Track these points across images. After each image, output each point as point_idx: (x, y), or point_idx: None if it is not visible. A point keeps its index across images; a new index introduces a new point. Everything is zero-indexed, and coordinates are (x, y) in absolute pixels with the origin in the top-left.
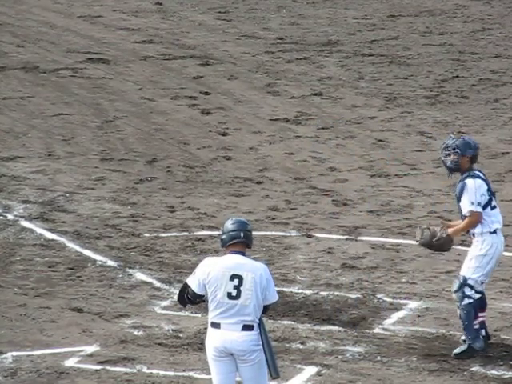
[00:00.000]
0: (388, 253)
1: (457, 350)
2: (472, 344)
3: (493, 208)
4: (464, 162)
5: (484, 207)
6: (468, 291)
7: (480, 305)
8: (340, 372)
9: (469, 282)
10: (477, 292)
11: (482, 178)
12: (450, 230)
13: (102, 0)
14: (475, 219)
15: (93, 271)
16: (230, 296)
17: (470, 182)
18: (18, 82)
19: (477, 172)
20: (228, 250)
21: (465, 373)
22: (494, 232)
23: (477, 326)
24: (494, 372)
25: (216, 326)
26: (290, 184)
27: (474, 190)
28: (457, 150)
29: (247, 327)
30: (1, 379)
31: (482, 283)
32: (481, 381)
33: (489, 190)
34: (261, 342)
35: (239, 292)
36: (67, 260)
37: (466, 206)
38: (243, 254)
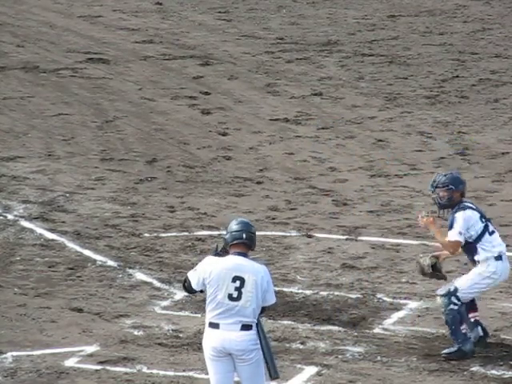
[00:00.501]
0: (388, 253)
1: (446, 350)
2: (462, 347)
3: (491, 233)
4: (456, 196)
5: (481, 235)
6: (455, 300)
7: (470, 306)
8: (340, 372)
9: (459, 294)
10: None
11: (473, 208)
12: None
13: (102, 0)
14: (452, 247)
15: (93, 271)
16: (230, 297)
17: (459, 214)
18: (18, 82)
19: (467, 203)
20: (230, 251)
21: (465, 373)
22: (500, 258)
23: (464, 330)
24: (493, 372)
25: (214, 326)
26: (290, 184)
27: (462, 220)
28: (450, 187)
29: (246, 327)
30: (1, 379)
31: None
32: (481, 381)
33: (482, 217)
34: (259, 341)
35: (240, 294)
36: (67, 260)
37: (452, 234)
38: (245, 255)
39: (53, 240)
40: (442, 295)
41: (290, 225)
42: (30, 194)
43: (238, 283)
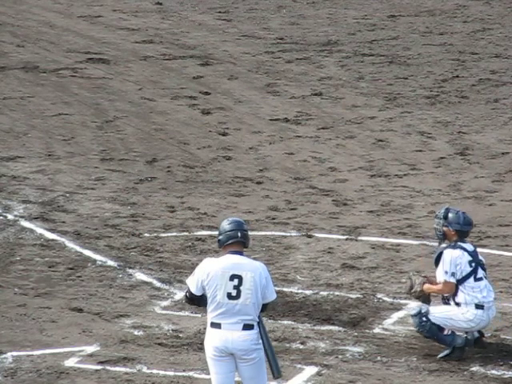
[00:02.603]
0: (388, 253)
1: (441, 354)
2: (455, 345)
3: (477, 280)
4: (449, 234)
5: (465, 278)
6: (424, 318)
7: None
8: (340, 372)
9: (430, 316)
10: None
11: (466, 250)
12: (425, 286)
13: (102, 0)
14: (448, 289)
15: (93, 271)
16: (229, 296)
17: (447, 251)
18: (18, 82)
19: (461, 244)
20: (226, 251)
21: (465, 373)
22: (481, 307)
23: (446, 332)
24: (494, 372)
25: (216, 326)
26: (290, 184)
27: (450, 260)
28: (443, 221)
29: (248, 326)
30: (1, 379)
31: None
32: (481, 381)
33: (473, 261)
34: (261, 341)
35: (239, 292)
36: (67, 260)
37: (440, 274)
38: (241, 253)
39: (53, 240)
40: (412, 315)
41: (290, 225)
42: (29, 193)
43: (236, 281)
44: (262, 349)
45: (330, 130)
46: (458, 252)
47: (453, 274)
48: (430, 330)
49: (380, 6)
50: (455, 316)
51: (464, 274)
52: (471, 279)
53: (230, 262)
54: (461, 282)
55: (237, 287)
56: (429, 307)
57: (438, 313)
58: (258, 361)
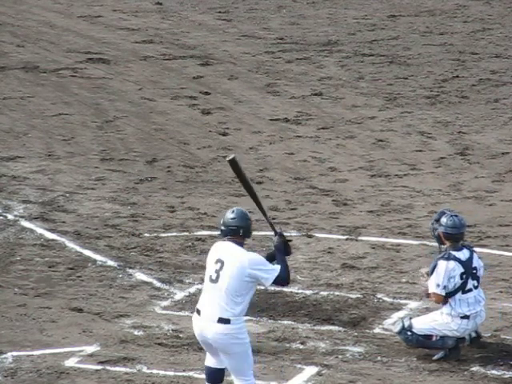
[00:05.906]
0: (388, 253)
1: (435, 356)
2: (447, 346)
3: (466, 291)
4: (441, 236)
5: (455, 291)
6: (409, 332)
7: None
8: (340, 372)
9: (414, 330)
10: None
11: (460, 260)
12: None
13: (102, 0)
14: (436, 300)
15: (93, 271)
16: (210, 279)
17: (442, 263)
18: (18, 82)
19: (455, 253)
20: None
21: (465, 373)
22: (466, 317)
23: (434, 338)
24: (494, 372)
25: (198, 312)
26: (290, 184)
27: (444, 272)
28: (434, 223)
29: (223, 320)
30: (1, 379)
31: None
32: (481, 381)
33: (465, 273)
34: (241, 336)
35: (218, 276)
36: (67, 260)
37: (431, 285)
38: (237, 242)
39: (53, 240)
40: (397, 332)
41: (290, 225)
42: (30, 193)
43: (218, 265)
44: (243, 343)
45: (329, 129)
46: (452, 264)
47: (444, 287)
48: (418, 342)
49: (380, 5)
50: (439, 326)
51: (455, 287)
52: (460, 293)
53: (221, 246)
54: (450, 294)
55: (217, 271)
56: (411, 320)
57: (421, 324)
58: (239, 354)
